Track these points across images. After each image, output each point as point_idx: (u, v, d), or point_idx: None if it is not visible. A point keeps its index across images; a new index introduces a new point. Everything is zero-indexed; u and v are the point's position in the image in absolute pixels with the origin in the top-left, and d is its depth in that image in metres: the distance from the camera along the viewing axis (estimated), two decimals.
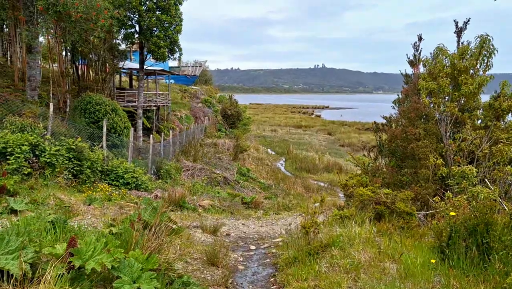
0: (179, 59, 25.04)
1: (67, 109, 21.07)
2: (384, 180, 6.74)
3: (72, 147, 11.96)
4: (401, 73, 8.03)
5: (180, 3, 23.67)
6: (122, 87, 34.58)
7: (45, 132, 12.15)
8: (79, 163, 12.10)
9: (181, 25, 23.68)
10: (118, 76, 37.23)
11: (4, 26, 24.40)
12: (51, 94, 20.26)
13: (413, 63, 7.79)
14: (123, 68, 32.07)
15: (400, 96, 8.11)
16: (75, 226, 5.37)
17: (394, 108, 8.23)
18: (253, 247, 7.57)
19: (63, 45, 22.31)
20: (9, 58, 24.88)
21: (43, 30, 15.19)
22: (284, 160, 39.67)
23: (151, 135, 19.88)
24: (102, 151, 13.41)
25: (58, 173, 11.17)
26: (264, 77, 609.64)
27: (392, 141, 6.93)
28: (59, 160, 11.45)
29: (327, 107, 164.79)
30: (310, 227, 5.46)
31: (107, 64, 26.35)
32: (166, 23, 23.02)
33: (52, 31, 18.65)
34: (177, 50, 23.92)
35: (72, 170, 11.87)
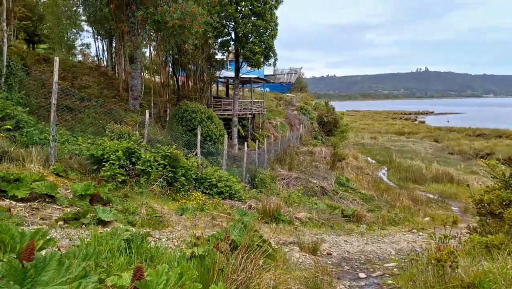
0: (274, 65, 24.53)
1: (167, 118, 21.61)
2: None
3: (167, 154, 11.74)
4: None
5: (276, 8, 23.14)
6: (219, 96, 35.17)
7: (142, 140, 12.12)
8: (173, 170, 11.84)
9: (276, 29, 23.10)
10: (215, 85, 38.05)
11: (113, 40, 26.03)
12: (152, 104, 20.93)
13: None
14: (220, 77, 32.55)
15: None
16: (152, 245, 4.64)
17: None
18: (362, 275, 6.29)
19: (163, 55, 23.09)
20: (116, 70, 26.52)
21: (143, 40, 15.51)
22: (386, 169, 37.01)
23: (245, 143, 19.42)
24: (196, 158, 13.08)
25: (153, 181, 10.96)
26: (361, 84, 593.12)
27: None
28: (154, 167, 11.25)
29: (432, 112, 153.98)
30: (446, 260, 4.07)
31: (205, 74, 26.82)
32: (262, 29, 22.60)
33: (152, 41, 19.28)
34: (272, 55, 23.37)
35: (167, 178, 11.63)
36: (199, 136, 13.76)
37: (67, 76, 18.09)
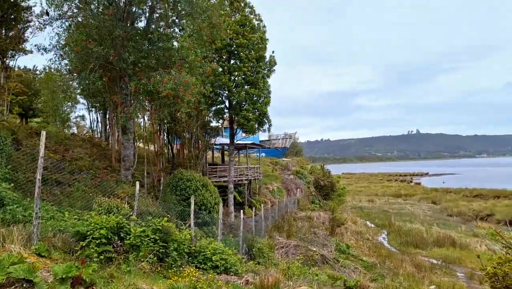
0: (269, 131, 24.62)
1: (161, 187, 21.17)
2: None
3: (158, 227, 11.19)
4: None
5: (268, 76, 23.66)
6: (214, 163, 34.99)
7: (131, 213, 11.62)
8: (165, 244, 11.22)
9: (269, 97, 23.46)
10: (210, 152, 38.04)
11: (107, 112, 26.26)
12: (145, 173, 20.58)
13: None
14: (215, 144, 32.59)
15: None
16: None
17: None
18: None
19: (157, 123, 23.17)
20: (110, 141, 26.50)
21: (136, 110, 15.52)
22: (386, 233, 36.08)
23: (242, 211, 18.86)
24: (189, 230, 12.51)
25: (142, 257, 10.32)
26: (355, 147, 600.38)
27: None
28: (144, 242, 10.66)
29: (427, 174, 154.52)
30: None
31: (200, 141, 26.81)
32: (255, 96, 22.94)
33: (146, 110, 19.37)
34: (266, 121, 23.52)
35: (158, 253, 10.98)
36: (192, 206, 13.26)
37: (59, 149, 17.89)
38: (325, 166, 51.58)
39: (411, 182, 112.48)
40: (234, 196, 28.50)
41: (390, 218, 41.33)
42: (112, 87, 15.74)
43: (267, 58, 23.58)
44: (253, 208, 26.45)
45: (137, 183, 11.68)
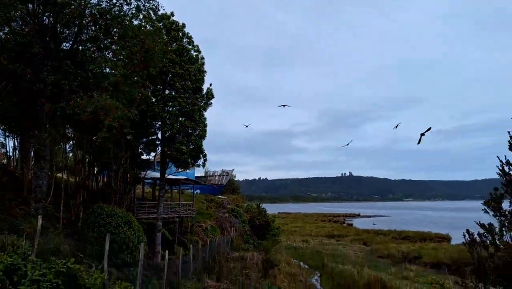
0: (203, 166, 23.60)
1: (80, 223, 19.17)
2: None
3: (61, 270, 9.61)
4: (500, 161, 5.67)
5: (205, 109, 22.87)
6: (144, 198, 32.98)
7: (30, 253, 9.95)
8: None
9: (205, 130, 22.59)
10: (141, 187, 35.99)
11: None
12: (61, 207, 18.56)
13: None
14: (146, 178, 30.81)
15: (495, 195, 5.64)
16: None
17: (487, 212, 5.72)
18: None
19: (80, 153, 21.35)
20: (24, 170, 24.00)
21: (54, 136, 13.94)
22: (319, 274, 35.57)
23: (166, 251, 17.36)
24: (102, 274, 10.95)
25: None
26: (291, 186, 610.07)
27: None
28: (43, 287, 9.05)
29: (358, 215, 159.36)
30: None
31: (128, 174, 25.07)
32: (190, 129, 21.96)
33: (67, 137, 17.67)
34: (201, 156, 22.49)
35: None
36: (107, 246, 11.75)
37: None
38: (261, 205, 50.91)
39: (344, 222, 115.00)
40: (164, 234, 26.75)
41: (323, 259, 41.03)
42: (25, 110, 14.08)
43: (205, 91, 22.88)
44: (184, 247, 24.87)
45: (39, 217, 10.10)
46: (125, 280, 15.29)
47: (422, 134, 16.58)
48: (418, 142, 16.60)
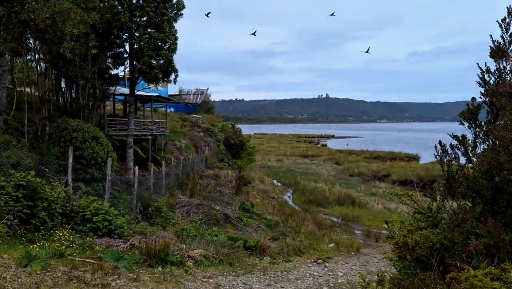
0: (175, 82, 22.60)
1: (46, 139, 18.51)
2: (481, 239, 3.90)
3: (21, 183, 9.21)
4: (480, 69, 5.26)
5: (175, 20, 21.43)
6: (115, 115, 32.16)
7: None
8: (30, 204, 9.32)
9: (176, 43, 21.34)
10: (112, 104, 34.97)
11: None
12: (25, 121, 17.75)
13: (501, 50, 5.04)
14: (117, 95, 29.79)
15: (472, 106, 5.32)
16: None
17: (463, 124, 5.44)
18: None
19: (44, 65, 20.10)
20: None
21: (8, 44, 12.74)
22: (291, 191, 36.65)
23: (136, 167, 17.14)
24: (65, 187, 10.62)
25: None
26: (268, 108, 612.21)
27: (493, 172, 4.10)
28: (2, 200, 8.69)
29: (333, 136, 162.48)
30: None
31: (97, 90, 24.03)
32: (160, 42, 20.70)
33: (30, 50, 16.43)
34: (172, 71, 21.48)
35: (20, 214, 9.07)
36: (70, 159, 11.30)
37: None
38: (237, 125, 50.80)
39: (318, 143, 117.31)
40: (136, 152, 26.45)
41: (296, 177, 42.07)
42: None
43: (174, 0, 21.26)
44: (159, 164, 24.75)
45: None
46: (95, 195, 15.14)
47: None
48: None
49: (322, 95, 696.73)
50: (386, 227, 6.14)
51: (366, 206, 29.79)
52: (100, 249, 9.13)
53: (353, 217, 26.13)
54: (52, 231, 9.59)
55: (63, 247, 8.56)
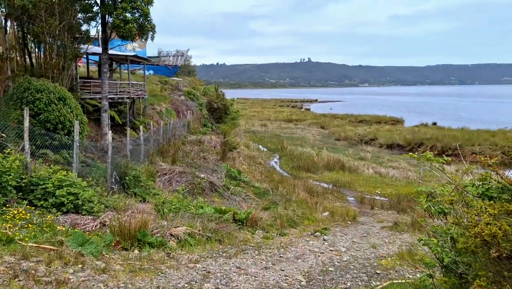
0: (152, 39, 20.46)
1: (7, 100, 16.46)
2: None
3: None
4: None
5: None
6: (90, 77, 29.78)
7: None
8: None
9: None
10: (86, 65, 32.49)
11: None
12: None
13: None
14: (90, 54, 27.37)
15: None
16: None
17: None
18: None
19: (2, 19, 17.78)
20: None
21: None
22: (278, 157, 35.38)
23: (110, 131, 15.36)
24: (21, 155, 8.86)
25: None
26: (250, 72, 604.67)
27: None
28: None
29: (316, 100, 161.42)
30: None
31: (68, 49, 21.73)
32: None
33: None
34: (148, 26, 19.32)
35: None
36: (26, 122, 9.43)
37: None
38: (219, 89, 48.68)
39: (302, 108, 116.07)
40: (112, 117, 24.51)
41: (282, 142, 40.80)
42: None
43: None
44: (137, 130, 22.93)
45: None
46: (65, 164, 13.41)
47: None
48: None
49: (304, 59, 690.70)
50: (421, 202, 4.63)
51: (357, 171, 28.76)
52: (64, 230, 7.54)
53: (344, 183, 25.04)
54: (4, 208, 7.93)
55: (16, 228, 6.97)
